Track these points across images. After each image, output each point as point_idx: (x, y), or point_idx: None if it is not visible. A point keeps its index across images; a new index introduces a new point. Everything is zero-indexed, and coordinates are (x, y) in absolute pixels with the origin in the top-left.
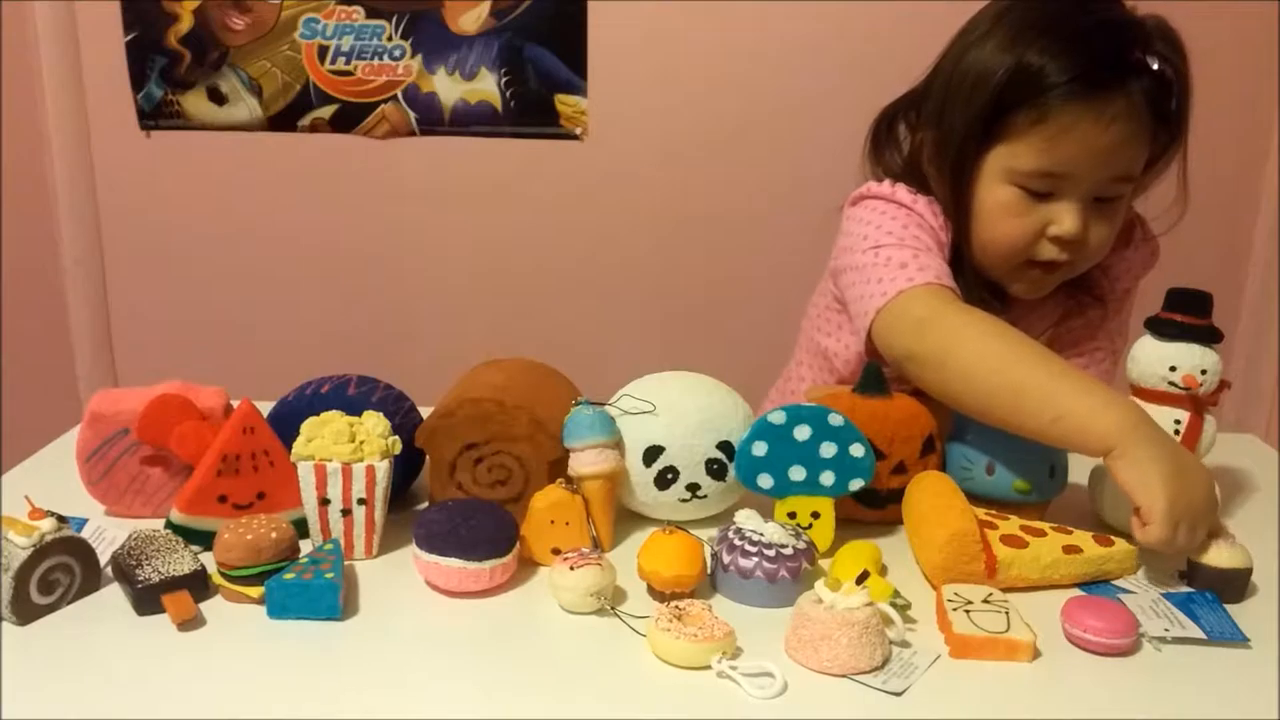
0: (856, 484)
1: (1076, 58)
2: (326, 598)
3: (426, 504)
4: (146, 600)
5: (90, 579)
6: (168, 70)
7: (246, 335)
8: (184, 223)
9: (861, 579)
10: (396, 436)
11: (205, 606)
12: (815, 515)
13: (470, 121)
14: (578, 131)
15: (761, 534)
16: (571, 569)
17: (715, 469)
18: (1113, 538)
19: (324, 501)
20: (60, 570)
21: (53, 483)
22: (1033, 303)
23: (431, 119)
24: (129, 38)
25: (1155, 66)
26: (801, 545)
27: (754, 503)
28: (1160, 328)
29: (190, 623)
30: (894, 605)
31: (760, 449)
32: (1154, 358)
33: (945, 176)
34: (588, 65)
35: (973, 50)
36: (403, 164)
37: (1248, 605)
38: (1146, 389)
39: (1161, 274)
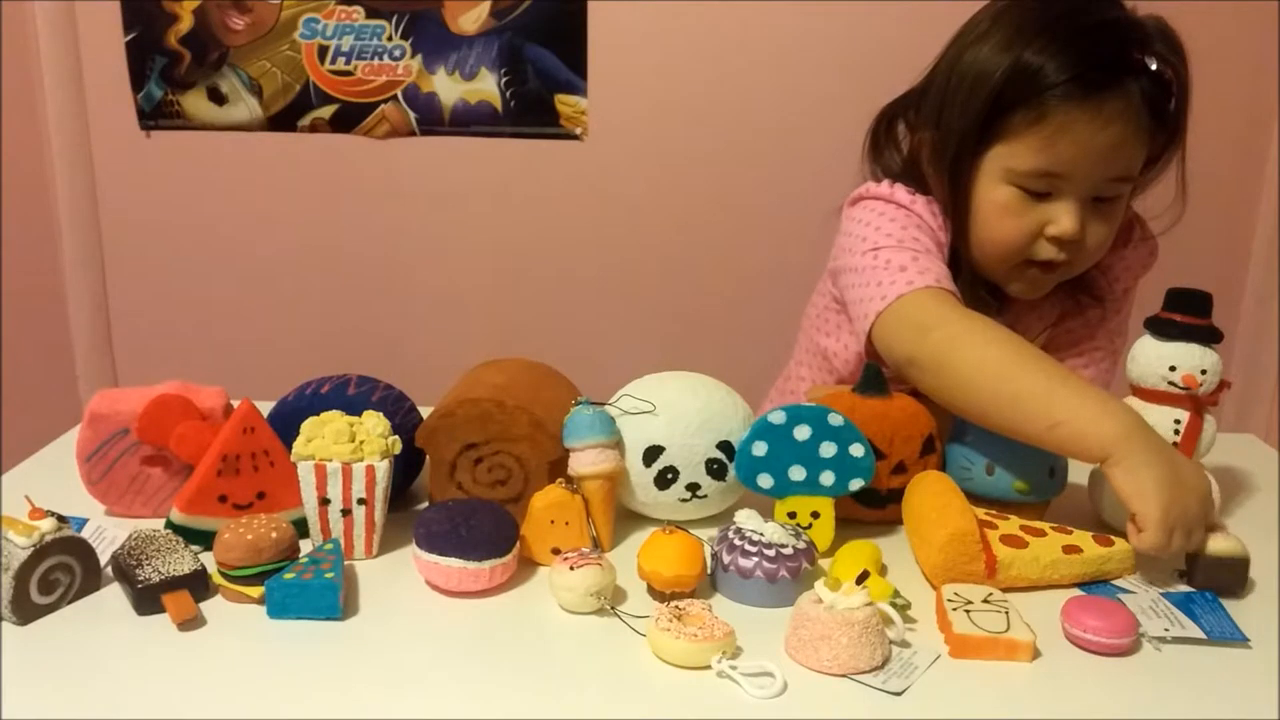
0: (856, 484)
1: (1075, 57)
2: (326, 598)
3: (426, 504)
4: (146, 600)
5: (90, 579)
6: (168, 70)
7: (246, 335)
8: (184, 223)
9: (861, 579)
10: (396, 436)
11: (205, 606)
12: (815, 515)
13: (470, 121)
14: (578, 131)
15: (761, 534)
16: (571, 569)
17: (715, 469)
18: (1112, 538)
19: (324, 501)
20: (60, 570)
21: (53, 483)
22: (1031, 303)
23: (431, 119)
24: (129, 38)
25: (1154, 66)
26: (801, 545)
27: (754, 503)
28: (1160, 328)
29: (190, 623)
30: (894, 605)
31: (760, 449)
32: (1154, 357)
33: (944, 176)
34: (588, 65)
35: (971, 50)
36: (403, 164)
37: (1248, 604)
38: (1146, 389)
39: (1161, 274)
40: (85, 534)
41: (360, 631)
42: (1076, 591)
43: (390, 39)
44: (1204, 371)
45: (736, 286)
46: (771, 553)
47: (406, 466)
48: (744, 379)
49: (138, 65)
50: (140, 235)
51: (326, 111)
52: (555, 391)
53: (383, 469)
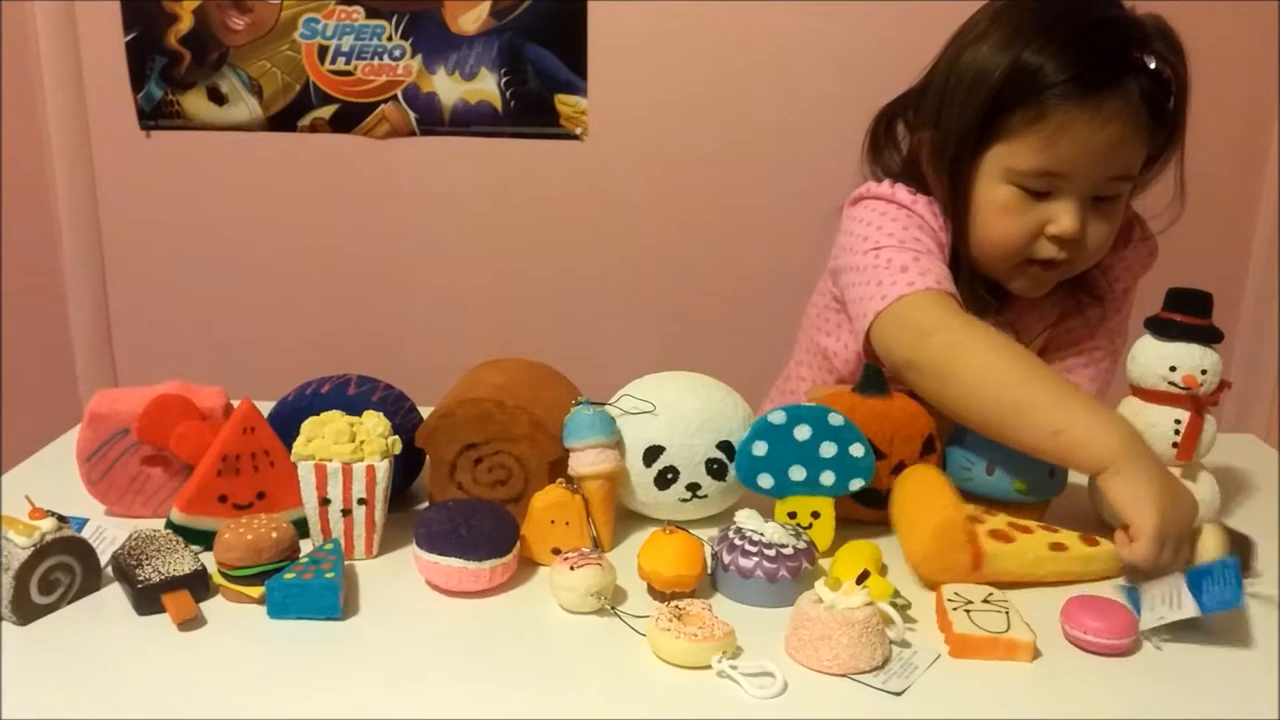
0: (857, 484)
1: (1074, 57)
2: (326, 597)
3: (426, 504)
4: (147, 600)
5: (90, 579)
6: (168, 70)
7: (246, 335)
8: (184, 223)
9: (861, 579)
10: (396, 436)
11: (205, 606)
12: (815, 515)
13: (470, 121)
14: (578, 131)
15: (761, 534)
16: (571, 569)
17: (715, 469)
18: (1098, 538)
19: (324, 501)
20: (60, 570)
21: (53, 483)
22: (1031, 302)
23: (431, 119)
24: (129, 38)
25: (1153, 65)
26: (801, 545)
27: (754, 502)
28: (1160, 328)
29: (190, 623)
30: (894, 605)
31: (760, 449)
32: (1154, 357)
33: (944, 176)
34: (588, 65)
35: (970, 50)
36: (403, 164)
37: (1248, 604)
38: (1146, 389)
39: (1161, 274)
40: (85, 534)
41: (360, 631)
42: (1077, 590)
43: (390, 39)
44: (1204, 371)
45: (736, 286)
46: (772, 553)
47: (406, 466)
48: (744, 379)
49: (138, 65)
50: (140, 235)
51: (326, 111)
52: (555, 391)
53: (383, 469)
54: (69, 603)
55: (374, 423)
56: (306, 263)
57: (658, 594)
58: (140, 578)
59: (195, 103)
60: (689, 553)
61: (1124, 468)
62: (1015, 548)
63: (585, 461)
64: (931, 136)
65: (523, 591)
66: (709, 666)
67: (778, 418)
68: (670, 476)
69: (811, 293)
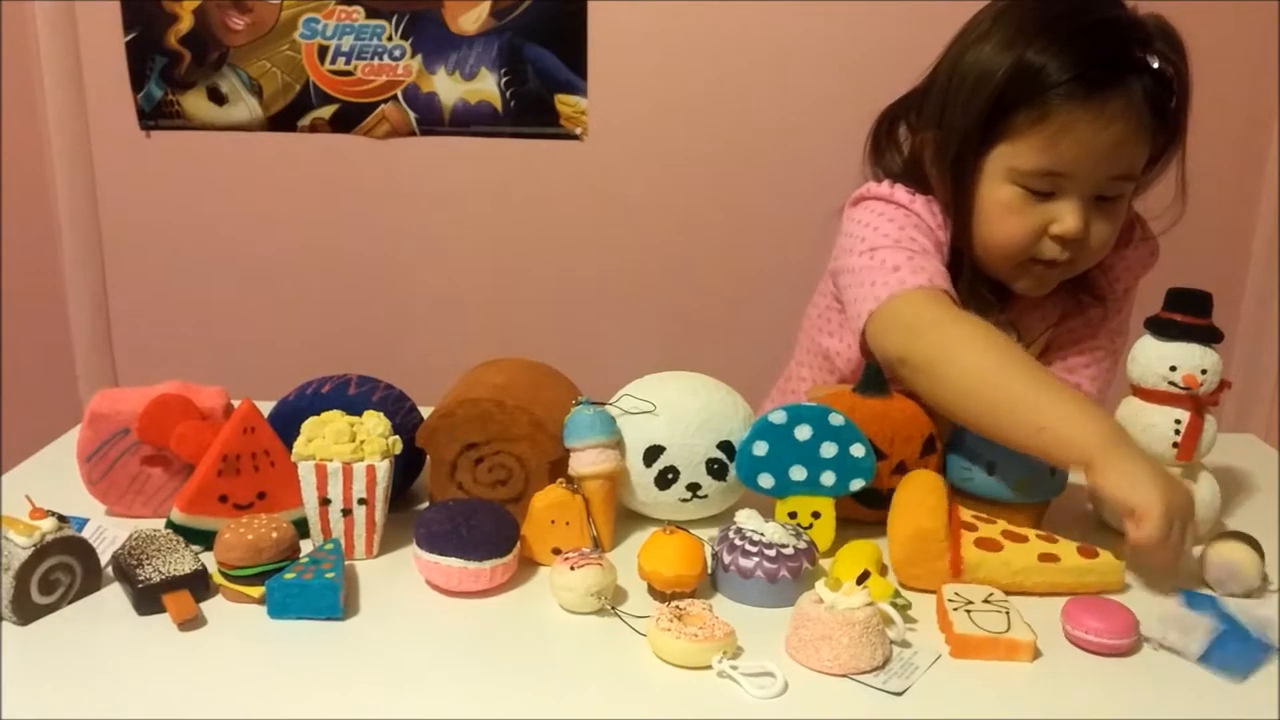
0: (857, 484)
1: (1077, 56)
2: (327, 597)
3: (426, 504)
4: (147, 600)
5: (91, 579)
6: (168, 70)
7: (246, 335)
8: (184, 223)
9: (862, 579)
10: (396, 436)
11: (205, 606)
12: (816, 515)
13: (470, 121)
14: (578, 131)
15: (762, 534)
16: (572, 569)
17: (715, 469)
18: (1098, 550)
19: (324, 501)
20: (61, 570)
21: (53, 483)
22: (1033, 302)
23: (431, 119)
24: (129, 38)
25: (1155, 65)
26: (802, 545)
27: (754, 503)
28: (1160, 328)
29: (191, 623)
30: (894, 605)
31: (761, 449)
32: (1154, 357)
33: (947, 176)
34: (588, 65)
35: (973, 50)
36: (403, 164)
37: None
38: (1146, 389)
39: (1161, 274)
40: (85, 534)
41: (360, 631)
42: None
43: (390, 39)
44: (1204, 371)
45: (736, 286)
46: (772, 553)
47: (407, 466)
48: (744, 379)
49: (138, 65)
50: (140, 235)
51: (326, 111)
52: (555, 391)
53: (383, 469)
54: (69, 603)
55: (374, 423)
56: (306, 263)
57: (658, 594)
58: (140, 578)
59: (195, 103)
60: (689, 553)
61: (1110, 458)
62: (1001, 557)
63: (585, 461)
64: (934, 137)
65: (523, 591)
66: (709, 667)
67: (778, 418)
68: (670, 476)
69: (812, 293)
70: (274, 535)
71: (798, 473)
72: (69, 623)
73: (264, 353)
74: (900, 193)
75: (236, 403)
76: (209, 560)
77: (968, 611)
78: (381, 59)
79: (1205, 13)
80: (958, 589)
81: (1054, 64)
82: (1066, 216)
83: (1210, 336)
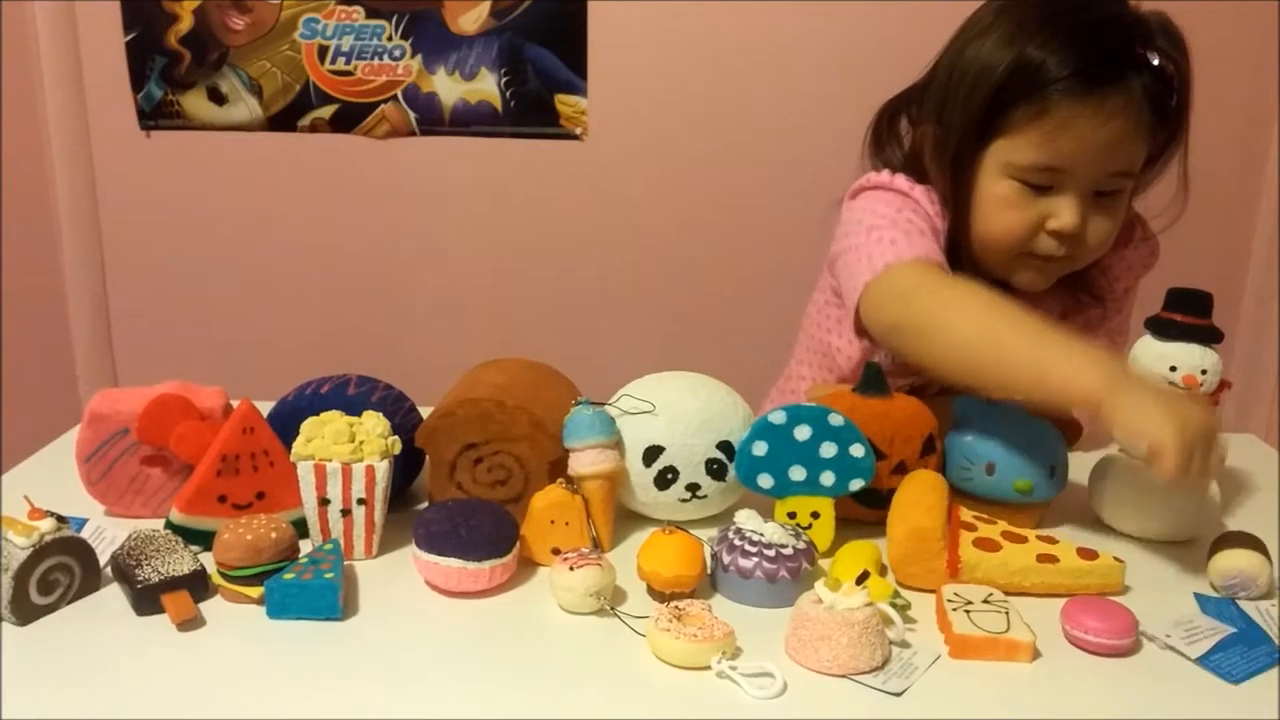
0: (857, 484)
1: (1077, 52)
2: (326, 598)
3: (426, 504)
4: (146, 600)
5: (90, 579)
6: (168, 70)
7: (246, 335)
8: (184, 223)
9: (861, 579)
10: (396, 436)
11: (205, 606)
12: (815, 515)
13: (470, 121)
14: (578, 131)
15: (761, 534)
16: (571, 569)
17: (715, 469)
18: (1098, 552)
19: (324, 501)
20: (60, 570)
21: (53, 483)
22: (1033, 300)
23: (431, 119)
24: (129, 38)
25: (1156, 62)
26: (801, 545)
27: (754, 503)
28: (1160, 327)
29: (190, 623)
30: (894, 605)
31: (760, 449)
32: (1154, 357)
33: (946, 170)
34: (588, 65)
35: (974, 45)
36: (403, 164)
37: (1249, 603)
38: None
39: (1161, 274)
40: (85, 534)
41: (360, 631)
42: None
43: (390, 39)
44: (1204, 371)
45: (736, 286)
46: (771, 553)
47: (406, 466)
48: (744, 379)
49: (138, 65)
50: (140, 235)
51: (326, 111)
52: (555, 391)
53: (382, 469)
54: (68, 603)
55: (374, 423)
56: (306, 263)
57: (657, 594)
58: (140, 578)
59: (195, 103)
60: (689, 553)
61: (1119, 395)
62: (999, 558)
63: (585, 461)
64: (934, 131)
65: (523, 592)
66: (709, 667)
67: (778, 418)
68: (670, 476)
69: (812, 291)
70: (273, 535)
71: (797, 473)
72: (68, 623)
73: (263, 353)
74: (900, 180)
75: (236, 403)
76: (208, 560)
77: (967, 612)
78: (381, 59)
79: (1205, 12)
80: (957, 589)
81: (1054, 60)
82: (1064, 212)
83: (1210, 336)
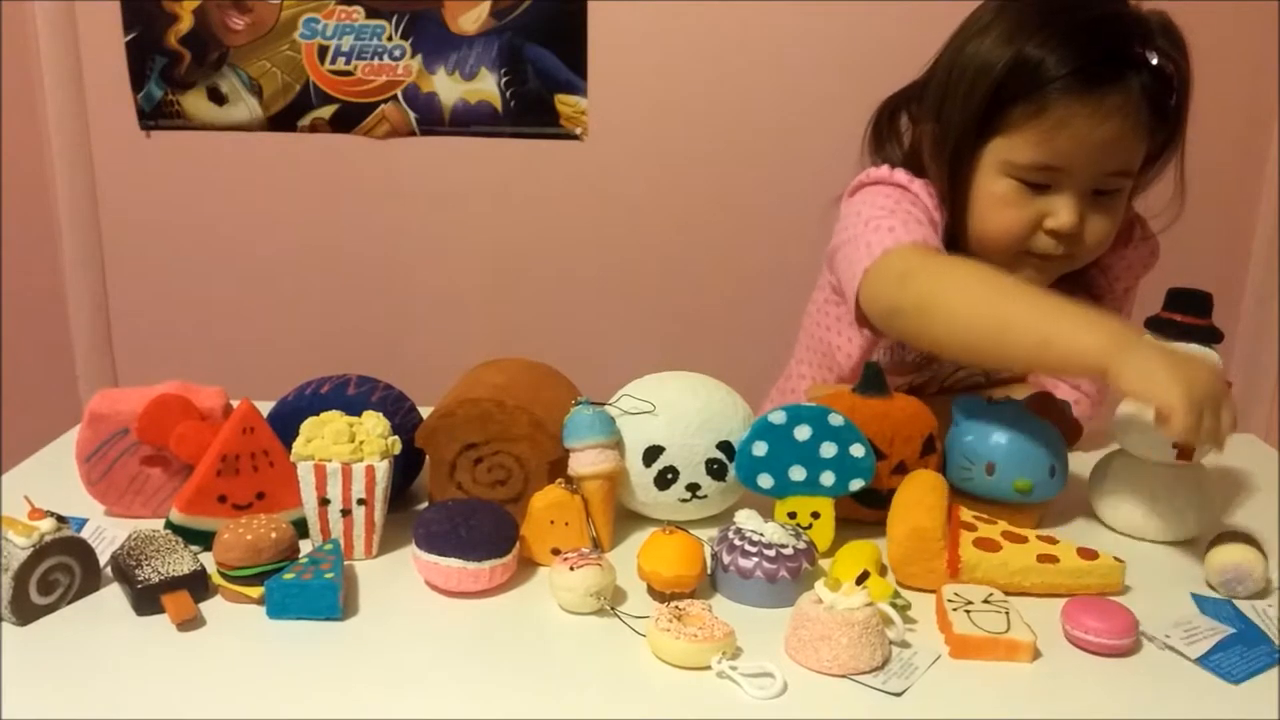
0: (857, 484)
1: (1076, 51)
2: (326, 598)
3: (426, 504)
4: (146, 600)
5: (90, 579)
6: (168, 70)
7: (246, 335)
8: (184, 223)
9: (861, 579)
10: (396, 436)
11: (205, 606)
12: (815, 515)
13: (470, 121)
14: (578, 131)
15: (761, 534)
16: (571, 569)
17: (715, 469)
18: (1098, 551)
19: (324, 501)
20: (60, 570)
21: (53, 483)
22: None
23: (431, 119)
24: (129, 38)
25: (1155, 62)
26: (801, 545)
27: (754, 503)
28: (1160, 328)
29: (190, 623)
30: (894, 605)
31: (760, 449)
32: None
33: (944, 168)
34: (588, 65)
35: (973, 43)
36: (403, 164)
37: (1246, 602)
38: None
39: (1161, 274)
40: (85, 534)
41: (360, 631)
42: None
43: (390, 39)
44: None
45: (736, 286)
46: (771, 553)
47: (406, 466)
48: (744, 379)
49: (138, 65)
50: (140, 235)
51: (326, 111)
52: (555, 391)
53: (382, 469)
54: (68, 603)
55: (373, 423)
56: (306, 263)
57: (657, 594)
58: (140, 578)
59: (195, 103)
60: (689, 553)
61: (1125, 358)
62: (999, 558)
63: (585, 461)
64: (933, 129)
65: (523, 592)
66: (709, 667)
67: (778, 418)
68: (670, 477)
69: (812, 291)
70: (273, 535)
71: (797, 473)
72: (68, 623)
73: (263, 353)
74: (900, 174)
75: (236, 403)
76: (208, 560)
77: (967, 612)
78: (381, 59)
79: (1205, 12)
80: (957, 589)
81: (1052, 58)
82: (1061, 211)
83: (1210, 336)
